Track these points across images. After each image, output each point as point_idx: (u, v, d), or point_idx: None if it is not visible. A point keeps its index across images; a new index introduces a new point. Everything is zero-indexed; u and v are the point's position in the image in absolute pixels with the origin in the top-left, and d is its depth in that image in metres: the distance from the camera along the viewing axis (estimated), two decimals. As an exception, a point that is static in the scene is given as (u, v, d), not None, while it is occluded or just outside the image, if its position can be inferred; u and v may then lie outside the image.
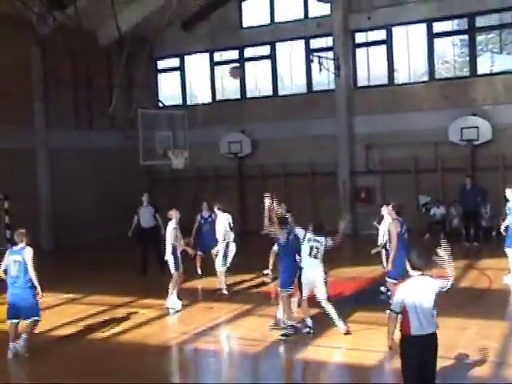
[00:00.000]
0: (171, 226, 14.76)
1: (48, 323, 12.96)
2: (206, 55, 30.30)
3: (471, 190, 22.76)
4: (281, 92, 29.21)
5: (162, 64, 31.55)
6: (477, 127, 23.95)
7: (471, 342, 11.14)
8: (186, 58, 30.85)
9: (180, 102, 31.04)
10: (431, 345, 7.64)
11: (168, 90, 32.00)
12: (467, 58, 25.74)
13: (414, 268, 7.66)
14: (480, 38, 26.04)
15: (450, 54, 26.89)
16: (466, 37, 25.87)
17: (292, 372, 11.03)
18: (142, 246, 19.20)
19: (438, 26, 25.97)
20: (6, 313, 11.37)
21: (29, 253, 11.23)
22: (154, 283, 16.20)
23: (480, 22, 25.53)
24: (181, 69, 31.10)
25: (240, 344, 11.92)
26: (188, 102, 31.07)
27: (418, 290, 7.53)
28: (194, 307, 14.82)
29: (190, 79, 31.32)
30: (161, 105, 29.08)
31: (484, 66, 25.77)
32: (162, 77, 31.88)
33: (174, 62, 31.19)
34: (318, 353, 11.11)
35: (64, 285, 17.01)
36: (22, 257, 11.18)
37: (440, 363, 9.92)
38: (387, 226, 13.58)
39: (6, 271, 11.38)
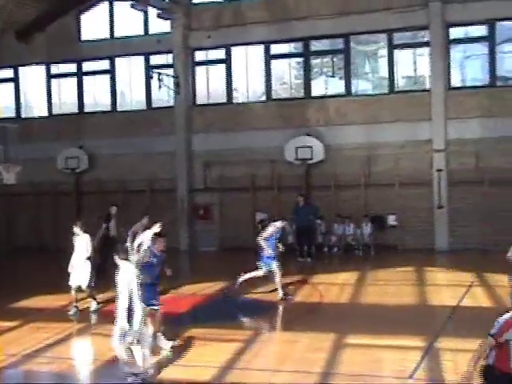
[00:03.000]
0: None
1: None
2: (43, 67, 29.47)
3: (304, 208, 23.46)
4: (120, 107, 28.93)
5: (-6, 75, 30.37)
6: (311, 147, 24.76)
7: (301, 354, 11.40)
8: (21, 69, 29.85)
9: (14, 114, 29.93)
10: None
11: (1, 101, 30.76)
12: (302, 80, 26.61)
13: None
14: (315, 61, 27.01)
15: (287, 75, 27.68)
16: (301, 60, 26.76)
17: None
18: (107, 252, 18.91)
19: (276, 48, 26.71)
20: None
21: None
22: None
23: (315, 46, 26.51)
24: (15, 80, 30.03)
25: (73, 364, 11.51)
26: (23, 115, 30.08)
27: None
28: (24, 328, 14.13)
29: (26, 91, 30.35)
30: (-7, 117, 27.98)
31: (318, 88, 26.71)
32: (-6, 88, 30.64)
33: (8, 72, 30.08)
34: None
35: None
36: None
37: (271, 376, 10.22)
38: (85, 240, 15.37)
39: None
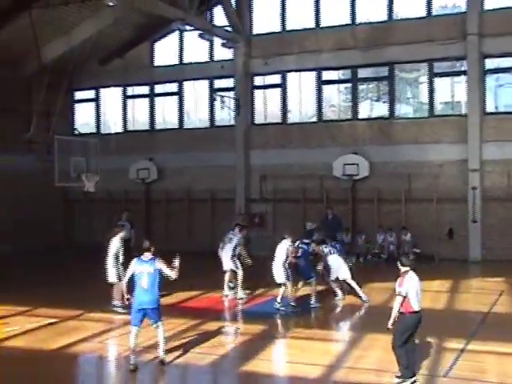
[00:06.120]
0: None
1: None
2: (120, 89, 30.24)
3: (332, 220, 23.31)
4: (186, 125, 29.45)
5: (78, 95, 31.25)
6: (357, 164, 24.84)
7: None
8: (101, 90, 30.71)
9: (94, 130, 30.77)
10: None
11: (83, 119, 31.70)
12: (350, 104, 26.74)
13: None
14: (361, 87, 27.13)
15: (336, 99, 27.86)
16: (349, 85, 26.91)
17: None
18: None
19: (327, 75, 26.92)
20: None
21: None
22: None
23: (362, 73, 26.64)
24: (96, 100, 30.90)
25: (188, 357, 11.26)
26: (102, 131, 30.84)
27: None
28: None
29: (104, 110, 31.17)
30: (76, 132, 28.76)
31: (364, 111, 26.83)
32: (78, 106, 31.55)
33: (90, 93, 30.98)
34: (262, 366, 10.84)
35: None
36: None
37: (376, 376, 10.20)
38: None
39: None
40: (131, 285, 10.88)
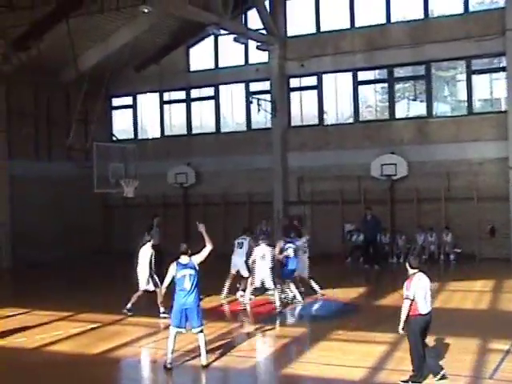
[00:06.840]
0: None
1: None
2: (156, 95, 30.47)
3: (371, 221, 23.36)
4: (223, 129, 29.55)
5: (116, 101, 31.59)
6: (395, 164, 24.63)
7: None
8: (138, 96, 31.00)
9: (132, 136, 31.06)
10: None
11: (121, 125, 32.03)
12: (387, 104, 26.54)
13: None
14: (398, 86, 26.90)
15: (373, 99, 27.68)
16: (386, 85, 26.69)
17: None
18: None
19: (363, 75, 26.75)
20: None
21: None
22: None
23: (398, 72, 26.42)
24: (133, 106, 31.21)
25: (227, 360, 11.25)
26: (139, 137, 31.12)
27: None
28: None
29: (142, 116, 31.47)
30: (114, 138, 29.07)
31: (401, 110, 26.61)
32: (115, 113, 31.89)
33: (127, 100, 31.30)
34: (302, 368, 10.81)
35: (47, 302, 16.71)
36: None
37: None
38: None
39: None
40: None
